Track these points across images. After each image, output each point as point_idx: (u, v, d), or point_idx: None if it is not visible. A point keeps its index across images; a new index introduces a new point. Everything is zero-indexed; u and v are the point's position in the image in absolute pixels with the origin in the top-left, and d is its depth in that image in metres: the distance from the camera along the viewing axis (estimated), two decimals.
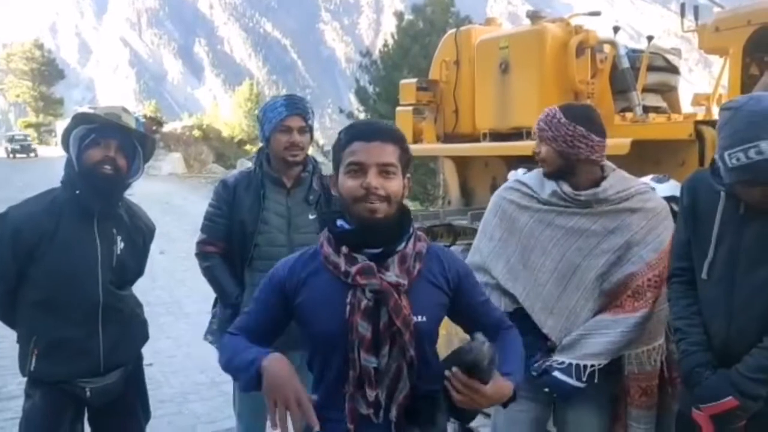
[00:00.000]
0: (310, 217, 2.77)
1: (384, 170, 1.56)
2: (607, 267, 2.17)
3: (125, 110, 2.49)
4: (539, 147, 2.22)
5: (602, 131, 2.18)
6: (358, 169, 1.56)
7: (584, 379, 2.13)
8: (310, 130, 2.82)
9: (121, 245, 2.48)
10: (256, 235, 2.75)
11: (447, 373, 1.48)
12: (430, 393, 1.56)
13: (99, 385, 2.44)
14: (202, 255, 2.89)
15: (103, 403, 2.48)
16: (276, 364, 1.51)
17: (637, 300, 2.15)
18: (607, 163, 2.25)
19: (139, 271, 2.67)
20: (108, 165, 2.36)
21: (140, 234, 2.60)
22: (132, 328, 2.57)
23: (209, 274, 2.87)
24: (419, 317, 1.57)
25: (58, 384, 2.39)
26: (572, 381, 2.13)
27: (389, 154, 1.57)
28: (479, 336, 1.51)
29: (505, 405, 1.61)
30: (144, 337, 2.67)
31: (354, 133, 1.61)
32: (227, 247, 2.84)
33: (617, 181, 2.20)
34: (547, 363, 2.16)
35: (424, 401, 1.58)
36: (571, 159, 2.15)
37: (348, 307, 1.55)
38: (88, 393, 2.43)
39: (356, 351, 1.54)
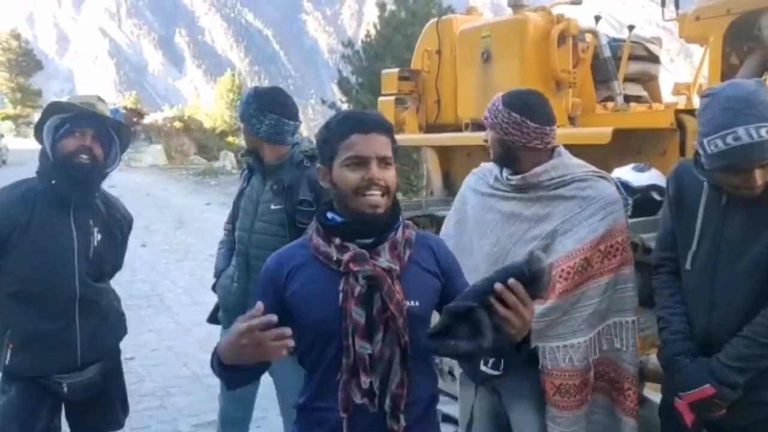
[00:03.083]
0: (272, 207, 2.75)
1: (383, 162, 1.58)
2: None
3: (100, 99, 2.45)
4: (487, 134, 2.22)
5: (544, 118, 2.12)
6: (359, 162, 1.56)
7: (489, 365, 2.11)
8: (239, 116, 2.90)
9: (98, 237, 2.43)
10: (236, 219, 2.89)
11: (498, 286, 1.40)
12: (463, 309, 1.43)
13: (76, 381, 2.40)
14: (224, 232, 3.09)
15: (81, 399, 2.44)
16: (222, 341, 1.52)
17: (552, 290, 2.09)
18: (559, 150, 2.20)
19: (116, 264, 2.63)
20: (84, 154, 2.32)
21: (117, 225, 2.56)
22: (109, 321, 2.53)
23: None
24: (412, 302, 1.58)
25: (35, 379, 2.35)
26: (480, 366, 2.08)
27: (386, 145, 1.60)
28: (537, 251, 1.46)
29: (519, 347, 1.53)
30: (122, 330, 2.63)
31: (351, 125, 1.61)
32: None
33: (555, 167, 2.15)
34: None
35: (461, 318, 1.43)
36: (508, 146, 2.13)
37: (341, 294, 1.55)
38: (65, 388, 2.39)
39: (350, 338, 1.54)
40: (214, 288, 3.00)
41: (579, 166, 2.19)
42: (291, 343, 1.41)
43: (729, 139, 1.71)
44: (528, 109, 2.11)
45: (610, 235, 2.10)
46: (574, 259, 2.07)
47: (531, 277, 1.41)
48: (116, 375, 2.62)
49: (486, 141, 2.22)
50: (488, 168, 2.32)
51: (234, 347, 1.44)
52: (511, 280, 1.40)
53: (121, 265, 2.68)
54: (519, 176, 2.15)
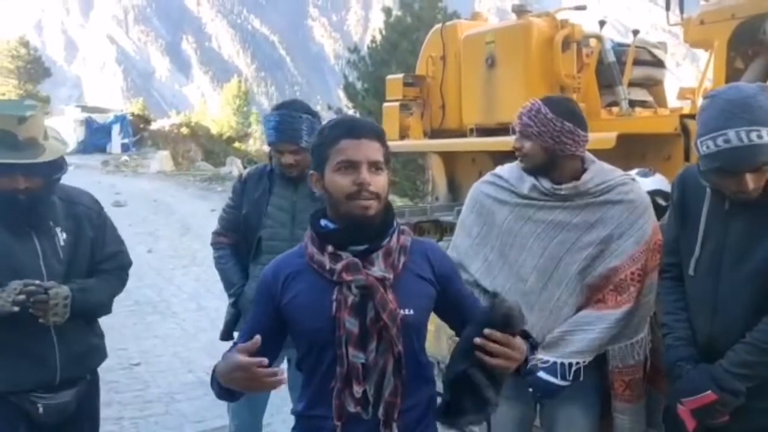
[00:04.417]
0: None
1: (373, 167, 1.58)
2: (590, 261, 2.14)
3: (22, 119, 2.11)
4: (521, 142, 2.17)
5: (585, 125, 2.16)
6: (349, 166, 1.57)
7: (569, 377, 2.10)
8: (308, 146, 2.64)
9: (62, 236, 2.28)
10: (260, 229, 2.79)
11: (478, 340, 1.46)
12: (460, 375, 1.50)
13: (52, 403, 2.25)
14: (214, 246, 2.98)
15: (53, 424, 2.29)
16: (220, 364, 1.56)
17: (620, 294, 2.12)
18: (587, 155, 2.22)
19: (114, 254, 2.44)
20: (20, 195, 2.16)
21: (85, 220, 2.37)
22: (89, 337, 2.38)
23: (217, 264, 2.96)
24: (406, 310, 1.58)
25: (6, 397, 2.21)
26: (557, 380, 2.10)
27: (377, 151, 1.60)
28: (497, 293, 1.53)
29: (518, 370, 1.58)
30: (101, 353, 2.47)
31: (342, 131, 1.61)
32: (239, 238, 2.90)
33: (597, 173, 2.17)
34: (532, 362, 2.05)
35: (461, 385, 1.51)
36: (556, 154, 2.12)
37: (334, 304, 1.55)
38: (40, 409, 2.23)
39: (344, 347, 1.55)
40: (234, 305, 2.86)
41: (612, 170, 2.23)
42: (284, 380, 1.49)
43: (719, 141, 1.72)
44: (576, 117, 2.13)
45: (655, 234, 2.17)
46: (639, 260, 2.13)
47: (502, 320, 1.46)
48: (90, 397, 2.44)
49: (519, 148, 2.18)
50: (503, 175, 2.28)
51: (228, 376, 1.51)
52: (487, 330, 1.46)
53: (122, 252, 2.50)
54: (570, 185, 2.15)
